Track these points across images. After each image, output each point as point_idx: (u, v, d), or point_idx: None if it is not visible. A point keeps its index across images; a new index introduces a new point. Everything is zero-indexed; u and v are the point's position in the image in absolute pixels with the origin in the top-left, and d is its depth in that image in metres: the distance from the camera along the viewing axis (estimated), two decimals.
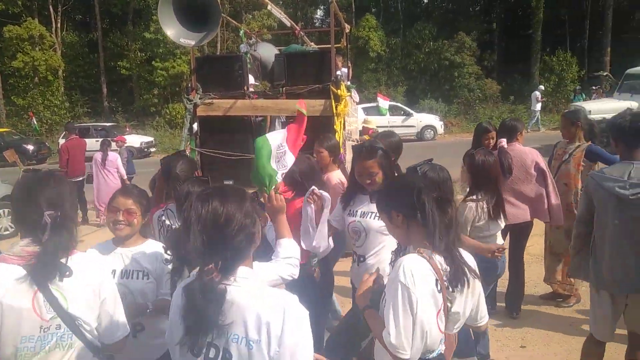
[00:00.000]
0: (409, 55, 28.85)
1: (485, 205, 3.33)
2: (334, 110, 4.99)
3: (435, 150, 14.35)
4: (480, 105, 25.99)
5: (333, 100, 5.01)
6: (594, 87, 21.59)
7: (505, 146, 4.22)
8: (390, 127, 19.90)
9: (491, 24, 32.27)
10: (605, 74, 22.62)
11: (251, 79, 5.78)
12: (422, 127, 20.60)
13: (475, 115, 24.14)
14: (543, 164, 4.26)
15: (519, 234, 4.34)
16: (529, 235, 4.45)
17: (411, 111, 21.23)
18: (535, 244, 5.57)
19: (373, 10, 32.02)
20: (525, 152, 4.27)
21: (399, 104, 22.28)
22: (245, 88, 5.31)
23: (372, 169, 2.74)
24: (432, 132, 20.69)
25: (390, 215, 1.91)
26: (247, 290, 1.48)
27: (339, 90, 5.03)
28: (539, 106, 20.74)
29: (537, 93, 21.12)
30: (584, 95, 21.97)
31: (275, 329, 1.42)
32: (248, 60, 5.73)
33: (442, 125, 21.37)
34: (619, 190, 2.70)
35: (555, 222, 4.28)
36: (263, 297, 1.48)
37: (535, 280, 5.18)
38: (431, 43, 28.05)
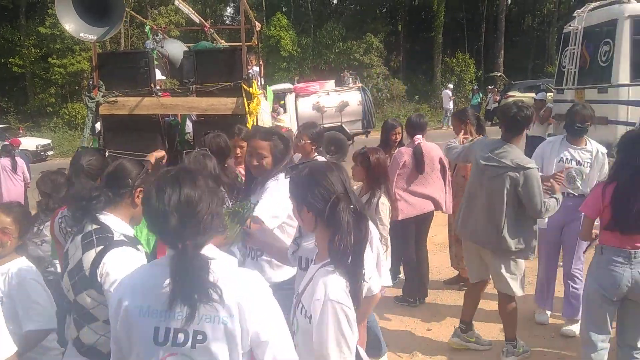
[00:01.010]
0: (320, 55, 29.28)
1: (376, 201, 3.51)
2: (247, 109, 4.98)
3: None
4: (388, 105, 27.07)
5: (245, 99, 5.00)
6: (490, 87, 23.31)
7: (422, 143, 4.49)
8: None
9: (396, 25, 33.64)
10: (499, 74, 24.52)
11: (158, 74, 5.60)
12: None
13: (384, 114, 25.07)
14: (445, 159, 4.58)
15: (422, 224, 4.63)
16: (430, 225, 4.78)
17: None
18: (439, 234, 5.94)
19: (284, 9, 32.08)
20: (432, 148, 4.57)
21: None
22: (152, 85, 5.14)
23: (261, 150, 2.61)
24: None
25: (300, 208, 1.84)
26: (218, 268, 1.49)
27: (250, 89, 5.03)
28: (451, 104, 21.97)
29: (448, 92, 22.46)
30: (481, 95, 23.65)
31: (248, 305, 1.47)
32: (155, 57, 5.55)
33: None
34: (479, 158, 3.43)
35: (448, 210, 4.67)
36: (232, 275, 1.53)
37: (439, 266, 5.53)
38: (341, 43, 28.68)
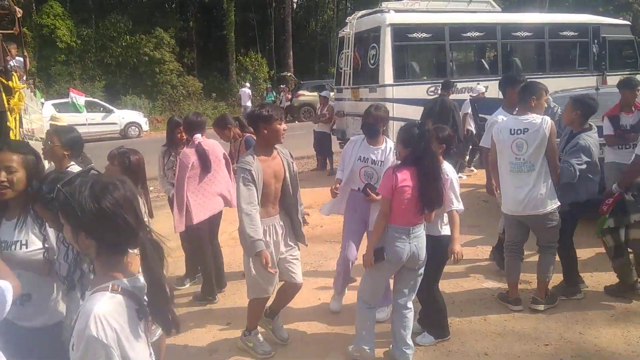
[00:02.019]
0: (105, 48, 26.97)
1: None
2: (6, 105, 4.33)
3: (140, 147, 13.87)
4: (185, 102, 26.40)
5: (4, 94, 4.34)
6: (282, 86, 24.52)
7: (202, 141, 4.44)
8: (89, 124, 18.46)
9: (188, 22, 32.91)
10: (289, 74, 25.94)
11: None
12: (125, 124, 19.68)
13: (181, 111, 24.38)
14: (226, 155, 4.67)
15: (214, 223, 4.68)
16: (220, 221, 4.86)
17: (112, 108, 20.04)
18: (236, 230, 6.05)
19: None
20: (214, 145, 4.58)
21: (98, 100, 20.79)
22: None
23: (9, 163, 2.20)
24: (137, 129, 19.98)
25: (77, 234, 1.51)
26: None
27: (10, 82, 4.39)
28: (249, 102, 22.32)
29: (247, 90, 22.81)
30: (274, 93, 24.74)
31: None
32: None
33: (147, 122, 20.89)
34: None
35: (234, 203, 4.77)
36: None
37: (238, 261, 5.63)
38: (128, 37, 26.87)
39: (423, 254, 3.34)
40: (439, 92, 8.82)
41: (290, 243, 3.63)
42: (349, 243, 4.19)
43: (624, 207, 4.18)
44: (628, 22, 13.22)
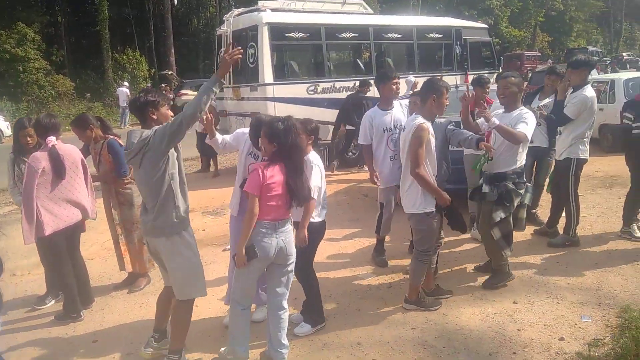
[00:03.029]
0: None
1: None
2: None
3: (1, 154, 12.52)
4: (54, 103, 24.24)
5: None
6: (163, 85, 23.46)
7: (57, 145, 4.08)
8: None
9: (56, 16, 30.28)
10: (170, 72, 24.92)
11: None
12: None
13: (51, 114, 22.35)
14: (84, 160, 4.35)
15: (72, 235, 4.32)
16: (80, 233, 4.50)
17: None
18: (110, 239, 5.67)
19: None
20: (71, 149, 4.22)
21: None
22: None
23: None
24: None
25: None
26: None
27: None
28: (126, 103, 21.02)
29: (125, 90, 21.46)
30: None
31: None
32: None
33: (9, 126, 18.83)
34: None
35: (92, 215, 4.43)
36: None
37: (110, 272, 5.30)
38: None
39: (291, 248, 3.37)
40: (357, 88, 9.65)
41: None
42: None
43: (508, 196, 4.26)
44: (485, 25, 14.57)
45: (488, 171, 4.36)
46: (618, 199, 6.37)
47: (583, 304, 4.11)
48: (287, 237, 3.33)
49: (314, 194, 3.54)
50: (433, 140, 3.89)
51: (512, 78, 4.47)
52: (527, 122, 4.21)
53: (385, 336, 3.81)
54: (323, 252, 5.22)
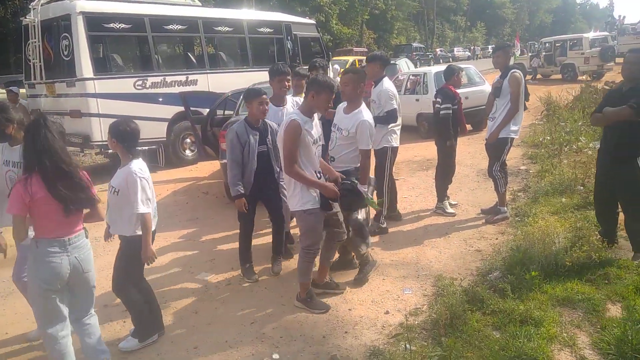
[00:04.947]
0: None
1: None
2: None
3: None
4: None
5: None
6: None
7: None
8: None
9: None
10: None
11: None
12: None
13: None
14: None
15: None
16: None
17: None
18: None
19: None
20: None
21: None
22: None
23: None
24: None
25: None
26: None
27: None
28: None
29: None
30: None
31: None
32: None
33: None
34: None
35: None
36: None
37: None
38: None
39: (88, 265, 3.00)
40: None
41: None
42: None
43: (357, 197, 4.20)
44: (313, 21, 15.17)
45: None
46: (434, 179, 7.14)
47: (405, 278, 4.50)
48: (81, 253, 2.95)
49: (146, 208, 3.28)
50: (310, 139, 3.75)
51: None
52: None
53: (223, 335, 3.73)
54: (161, 256, 4.92)
